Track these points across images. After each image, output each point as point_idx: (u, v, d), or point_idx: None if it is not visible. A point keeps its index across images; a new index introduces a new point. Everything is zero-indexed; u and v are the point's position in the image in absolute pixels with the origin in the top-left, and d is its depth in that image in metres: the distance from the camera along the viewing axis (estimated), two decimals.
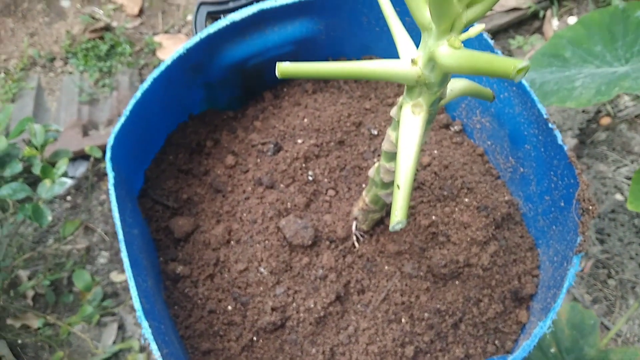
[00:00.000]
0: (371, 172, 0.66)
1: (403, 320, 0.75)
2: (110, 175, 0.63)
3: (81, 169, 1.47)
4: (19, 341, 1.33)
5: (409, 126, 0.45)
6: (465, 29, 0.41)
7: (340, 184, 0.81)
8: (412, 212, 0.77)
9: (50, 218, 0.78)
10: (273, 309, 0.73)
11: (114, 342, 1.32)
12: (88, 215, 1.46)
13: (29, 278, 1.32)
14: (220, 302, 0.75)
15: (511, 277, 0.76)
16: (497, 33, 1.78)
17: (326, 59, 0.93)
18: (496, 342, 0.76)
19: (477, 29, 0.38)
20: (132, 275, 0.58)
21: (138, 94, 0.68)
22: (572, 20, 1.79)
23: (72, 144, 1.45)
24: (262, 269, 0.74)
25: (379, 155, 0.82)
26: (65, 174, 0.90)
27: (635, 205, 1.11)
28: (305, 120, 0.84)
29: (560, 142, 0.67)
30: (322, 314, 0.73)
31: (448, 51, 0.39)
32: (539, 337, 0.56)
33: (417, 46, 0.44)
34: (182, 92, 0.80)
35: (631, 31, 1.15)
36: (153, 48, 1.76)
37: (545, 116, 0.68)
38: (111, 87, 1.66)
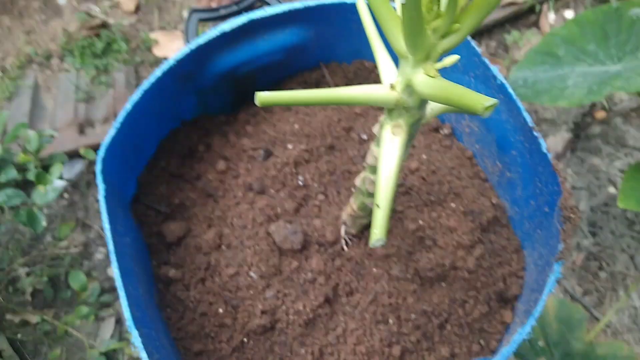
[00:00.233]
0: (358, 182, 0.67)
1: (390, 321, 0.77)
2: (101, 187, 0.64)
3: (77, 166, 1.48)
4: (19, 336, 1.35)
5: (389, 147, 0.46)
6: (445, 55, 0.42)
7: (330, 189, 0.82)
8: (399, 216, 0.78)
9: (44, 224, 0.80)
10: (263, 312, 0.75)
11: (112, 336, 1.35)
12: (85, 213, 1.48)
13: (27, 275, 1.34)
14: (212, 305, 0.77)
15: (496, 279, 0.78)
16: (493, 27, 1.78)
17: (317, 64, 0.94)
18: (481, 341, 0.78)
19: (451, 59, 0.39)
20: (122, 285, 0.60)
21: (128, 106, 0.69)
22: (568, 13, 1.79)
23: (68, 143, 1.46)
24: (252, 273, 0.76)
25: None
26: (60, 177, 0.92)
27: (625, 203, 1.12)
28: (296, 125, 0.85)
29: (544, 150, 0.68)
30: (311, 316, 0.75)
31: (424, 79, 0.40)
32: (518, 343, 0.58)
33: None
34: (173, 100, 0.81)
35: (624, 30, 1.15)
36: (149, 45, 1.76)
37: (530, 124, 0.69)
38: (107, 85, 1.67)
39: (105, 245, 1.45)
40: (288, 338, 0.76)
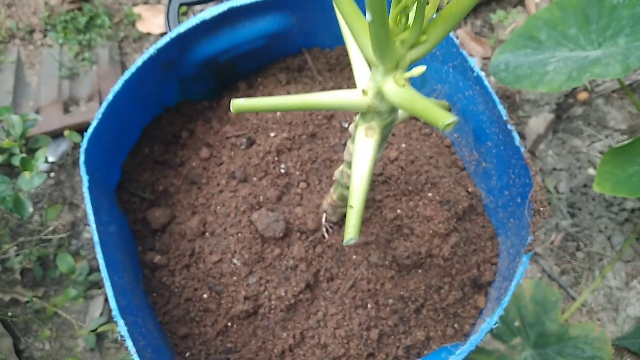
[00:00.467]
0: (336, 174, 0.69)
1: (369, 305, 0.80)
2: (85, 178, 0.65)
3: (63, 145, 1.48)
4: (9, 314, 1.38)
5: (362, 149, 0.48)
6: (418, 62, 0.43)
7: (311, 177, 0.84)
8: (378, 205, 0.80)
9: (31, 209, 0.81)
10: (246, 298, 0.77)
11: (101, 314, 1.38)
12: (72, 192, 1.49)
13: (17, 254, 1.36)
14: (196, 290, 0.79)
15: (470, 266, 0.80)
16: (479, 6, 1.78)
17: (299, 50, 0.94)
18: (455, 325, 0.81)
19: (419, 69, 0.40)
20: (108, 276, 0.62)
21: (110, 96, 0.69)
22: None
23: (53, 122, 1.45)
24: (235, 260, 0.78)
25: None
26: (45, 160, 0.93)
27: (601, 187, 1.15)
28: (278, 113, 0.86)
29: (517, 143, 0.70)
30: (292, 301, 0.78)
31: (393, 88, 0.41)
32: (486, 331, 0.61)
33: None
34: (155, 88, 0.81)
35: (605, 15, 1.16)
36: (132, 20, 1.74)
37: (504, 117, 0.71)
38: (91, 61, 1.65)
39: None
40: (270, 322, 0.78)
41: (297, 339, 0.78)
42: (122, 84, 0.71)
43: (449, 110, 0.60)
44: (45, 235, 1.30)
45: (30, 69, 1.68)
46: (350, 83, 0.94)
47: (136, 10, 1.76)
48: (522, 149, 0.69)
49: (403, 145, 0.85)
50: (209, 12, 0.75)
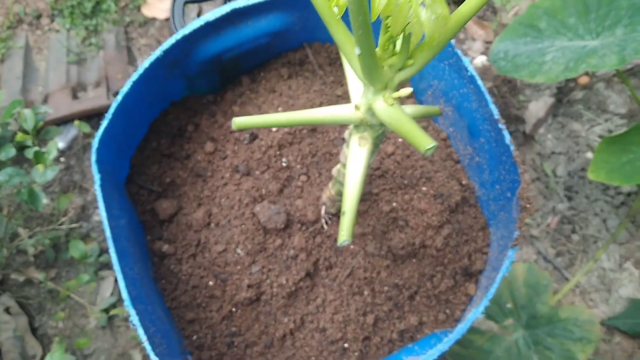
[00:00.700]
0: (334, 172, 0.72)
1: (365, 292, 0.84)
2: (97, 177, 0.69)
3: (73, 131, 1.52)
4: (24, 293, 1.44)
5: (355, 157, 0.52)
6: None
7: (312, 170, 0.88)
8: (375, 198, 0.84)
9: (45, 201, 0.86)
10: (249, 286, 0.82)
11: (112, 294, 1.44)
12: (81, 176, 1.53)
13: (30, 237, 1.41)
14: (202, 278, 0.84)
15: (462, 256, 0.85)
16: None
17: (301, 45, 0.97)
18: (447, 311, 0.86)
19: (406, 91, 0.43)
20: (120, 269, 0.66)
21: (119, 98, 0.73)
22: None
23: (62, 108, 1.49)
24: (239, 250, 0.83)
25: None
26: (57, 151, 0.97)
27: (596, 175, 1.19)
28: (280, 109, 0.89)
29: (508, 142, 0.73)
30: (293, 288, 0.83)
31: (383, 106, 0.45)
32: (472, 321, 0.66)
33: None
34: (162, 85, 0.85)
35: (604, 4, 1.17)
36: (138, 4, 1.76)
37: (496, 117, 0.74)
38: (98, 46, 1.68)
39: None
40: (272, 308, 0.83)
41: (298, 324, 0.83)
42: (130, 85, 0.74)
43: (440, 114, 0.63)
44: (57, 220, 1.35)
45: (38, 54, 1.71)
46: None
47: None
48: (512, 148, 0.72)
49: (399, 139, 0.88)
50: (213, 13, 0.78)
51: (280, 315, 0.84)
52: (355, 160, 0.52)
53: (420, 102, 0.96)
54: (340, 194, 0.77)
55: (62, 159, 1.52)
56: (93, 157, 0.71)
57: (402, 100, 0.85)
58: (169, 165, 0.91)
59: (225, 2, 0.87)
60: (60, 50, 1.66)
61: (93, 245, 1.43)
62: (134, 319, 0.64)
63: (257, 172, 0.86)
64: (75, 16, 1.72)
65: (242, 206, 0.84)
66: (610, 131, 1.62)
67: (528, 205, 0.69)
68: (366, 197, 0.84)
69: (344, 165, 0.65)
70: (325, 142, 0.89)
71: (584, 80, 1.69)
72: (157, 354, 0.65)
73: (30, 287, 1.42)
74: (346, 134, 0.58)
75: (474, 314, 0.66)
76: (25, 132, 0.92)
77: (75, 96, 1.55)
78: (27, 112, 0.92)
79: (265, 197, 0.85)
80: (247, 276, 0.82)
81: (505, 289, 1.18)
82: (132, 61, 1.69)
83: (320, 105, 0.90)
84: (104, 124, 0.72)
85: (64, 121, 1.51)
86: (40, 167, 0.87)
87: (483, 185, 0.85)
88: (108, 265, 1.45)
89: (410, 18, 0.35)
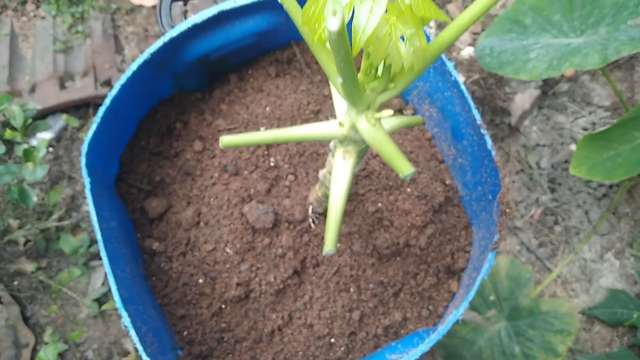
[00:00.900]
0: (321, 175, 0.74)
1: (351, 289, 0.87)
2: (87, 180, 0.70)
3: (61, 121, 1.51)
4: (15, 283, 1.45)
5: (339, 170, 0.53)
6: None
7: (299, 169, 0.89)
8: (361, 199, 0.86)
9: (35, 199, 0.86)
10: (238, 284, 0.84)
11: (103, 284, 1.45)
12: (70, 166, 1.53)
13: (19, 227, 1.42)
14: (192, 276, 0.86)
15: (445, 254, 0.87)
16: None
17: (289, 42, 0.97)
18: (430, 307, 0.88)
19: (387, 112, 0.45)
20: (111, 271, 0.68)
21: (107, 101, 0.74)
22: None
23: (49, 98, 1.48)
24: (228, 249, 0.85)
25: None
26: (46, 147, 0.97)
27: (577, 170, 1.21)
28: (267, 108, 0.91)
29: (489, 147, 0.75)
30: (281, 286, 0.85)
31: (365, 126, 0.46)
32: (452, 322, 0.68)
33: None
34: (150, 85, 0.85)
35: (588, 2, 1.19)
36: None
37: (478, 122, 0.76)
38: (84, 34, 1.66)
39: None
40: (261, 305, 0.86)
41: (286, 320, 0.86)
42: (119, 88, 0.75)
43: (423, 123, 0.64)
44: (47, 212, 1.36)
45: (24, 41, 1.70)
46: None
47: None
48: (493, 153, 0.74)
49: None
50: (200, 15, 0.78)
51: (269, 311, 0.86)
52: (339, 173, 0.54)
53: (406, 102, 0.98)
54: (326, 195, 0.79)
55: (50, 149, 1.52)
56: (83, 161, 0.72)
57: (388, 102, 0.86)
58: (158, 163, 0.92)
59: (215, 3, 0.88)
60: (47, 38, 1.65)
61: (83, 236, 1.44)
62: (126, 320, 0.66)
63: (246, 172, 0.88)
64: (61, 3, 1.70)
65: (231, 206, 0.85)
66: (594, 123, 1.65)
67: (508, 210, 0.71)
68: (352, 198, 0.86)
69: (330, 173, 0.67)
70: (312, 142, 0.91)
71: (569, 72, 1.71)
72: (148, 354, 0.67)
73: (22, 277, 1.43)
74: (331, 144, 0.60)
75: (455, 316, 0.68)
76: (13, 128, 0.92)
77: (62, 86, 1.54)
78: (16, 109, 0.92)
79: (253, 197, 0.86)
80: (236, 274, 0.84)
81: (488, 282, 1.21)
82: (119, 50, 1.68)
83: (308, 104, 0.92)
84: (93, 127, 0.73)
85: (52, 111, 1.50)
86: (30, 165, 0.88)
87: (466, 185, 0.88)
88: (98, 256, 1.46)
89: (391, 50, 0.37)
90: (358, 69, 0.46)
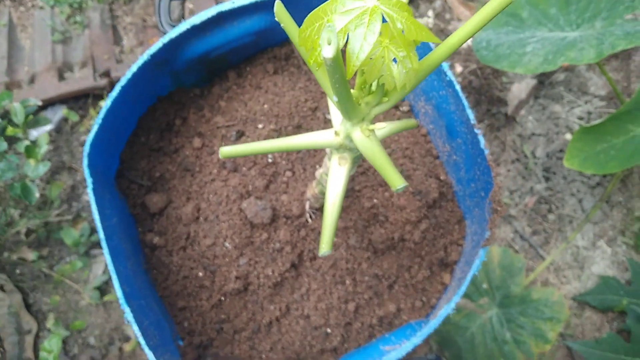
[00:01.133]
0: (317, 174, 0.76)
1: (347, 282, 0.89)
2: (89, 181, 0.72)
3: (60, 112, 1.53)
4: (17, 271, 1.48)
5: (335, 176, 0.55)
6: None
7: (296, 165, 0.91)
8: (357, 194, 0.88)
9: (37, 195, 0.88)
10: (237, 278, 0.86)
11: (103, 272, 1.48)
12: (70, 156, 1.55)
13: (21, 217, 1.44)
14: (192, 269, 0.88)
15: (438, 248, 0.90)
16: None
17: (287, 39, 0.98)
18: (423, 298, 0.91)
19: (381, 125, 0.47)
20: (114, 268, 0.70)
21: (108, 103, 0.75)
22: None
23: (49, 89, 1.49)
24: (227, 244, 0.87)
25: None
26: (47, 143, 0.99)
27: (570, 162, 1.23)
28: (265, 106, 0.92)
29: (482, 146, 0.77)
30: (279, 279, 0.88)
31: (360, 137, 0.48)
32: (443, 317, 0.71)
33: None
34: (150, 83, 0.87)
35: None
36: None
37: (472, 122, 0.78)
38: (83, 25, 1.66)
39: None
40: (259, 297, 0.88)
41: (283, 311, 0.89)
42: (119, 89, 0.76)
43: (417, 126, 0.66)
44: (48, 202, 1.38)
45: (22, 31, 1.70)
46: None
47: None
48: (486, 152, 0.76)
49: None
50: (199, 16, 0.79)
51: (267, 303, 0.89)
52: (335, 178, 0.56)
53: (402, 99, 0.99)
54: (322, 193, 0.81)
55: (50, 139, 1.53)
56: (85, 162, 0.74)
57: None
58: (158, 159, 0.94)
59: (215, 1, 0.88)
60: (45, 28, 1.65)
61: (83, 225, 1.47)
62: (129, 316, 0.69)
63: (244, 169, 0.90)
64: None
65: (230, 202, 0.87)
66: (589, 113, 1.66)
67: (499, 208, 0.73)
68: (349, 194, 0.88)
69: (326, 174, 0.69)
70: None
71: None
72: (150, 347, 0.69)
73: (23, 266, 1.46)
74: (327, 151, 0.62)
75: (446, 310, 0.71)
76: (14, 124, 0.93)
77: (61, 77, 1.55)
78: (17, 106, 0.93)
79: (251, 193, 0.88)
80: (235, 268, 0.87)
81: (481, 271, 1.24)
82: (117, 41, 1.68)
83: (306, 101, 0.93)
84: (94, 128, 0.75)
85: (51, 102, 1.51)
86: (32, 161, 0.89)
87: (460, 181, 0.90)
88: (99, 244, 1.48)
89: (384, 71, 0.38)
90: (353, 84, 0.48)
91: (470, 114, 0.78)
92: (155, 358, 0.67)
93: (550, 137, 1.65)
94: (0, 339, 1.34)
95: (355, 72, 0.40)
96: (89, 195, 0.72)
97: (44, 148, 0.92)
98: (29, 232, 1.49)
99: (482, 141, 0.77)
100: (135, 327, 0.69)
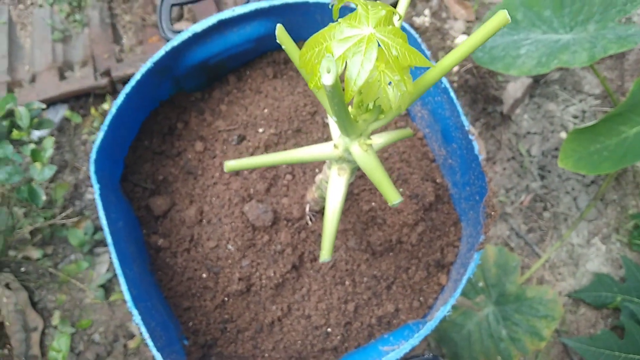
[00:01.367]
0: (317, 180, 0.78)
1: (347, 283, 0.92)
2: (96, 187, 0.75)
3: (62, 111, 1.54)
4: (22, 269, 1.50)
5: (334, 185, 0.58)
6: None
7: (297, 169, 0.93)
8: (356, 198, 0.91)
9: (44, 197, 0.90)
10: (240, 279, 0.89)
11: (107, 270, 1.51)
12: (73, 155, 1.57)
13: (25, 215, 1.46)
14: (196, 271, 0.91)
15: (435, 250, 0.92)
16: None
17: None
18: (420, 299, 0.94)
19: (378, 139, 0.49)
20: (122, 272, 0.73)
21: (113, 110, 0.77)
22: None
23: (49, 89, 1.51)
24: (229, 246, 0.89)
25: None
26: (52, 146, 1.01)
27: (564, 163, 1.26)
28: (266, 110, 0.94)
29: (476, 152, 0.79)
30: (280, 280, 0.90)
31: (358, 151, 0.50)
32: (439, 319, 0.74)
33: None
34: (152, 89, 0.89)
35: None
36: None
37: (467, 128, 0.80)
38: (82, 23, 1.68)
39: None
40: (261, 298, 0.91)
41: (285, 311, 0.91)
42: (123, 97, 0.78)
43: (413, 135, 0.68)
44: (52, 201, 1.40)
45: (22, 30, 1.71)
46: None
47: None
48: (481, 158, 0.78)
49: None
50: (200, 24, 0.81)
51: (269, 304, 0.91)
52: (334, 188, 0.58)
53: None
54: (322, 197, 0.83)
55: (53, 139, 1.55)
56: (92, 168, 0.76)
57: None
58: (161, 162, 0.96)
59: (215, 3, 0.90)
60: (45, 27, 1.66)
61: (87, 224, 1.49)
62: (137, 318, 0.71)
63: (245, 172, 0.92)
64: None
65: (232, 205, 0.89)
66: (584, 111, 1.68)
67: (493, 213, 0.76)
68: (347, 197, 0.90)
69: (326, 180, 0.71)
70: (309, 142, 0.95)
71: None
72: (158, 349, 0.72)
73: (28, 264, 1.48)
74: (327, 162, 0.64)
75: (442, 312, 0.74)
76: (18, 127, 0.95)
77: (62, 76, 1.57)
78: (22, 109, 0.95)
79: (253, 197, 0.91)
80: (238, 269, 0.89)
81: (477, 269, 1.27)
82: (117, 39, 1.69)
83: (305, 106, 0.95)
84: (100, 135, 0.77)
85: (52, 102, 1.53)
86: (38, 165, 0.91)
87: (455, 184, 0.92)
88: (103, 242, 1.51)
89: (380, 94, 0.40)
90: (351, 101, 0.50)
91: (465, 121, 0.80)
92: (163, 359, 0.69)
93: (546, 136, 1.67)
94: (8, 336, 1.36)
95: None
96: (97, 202, 0.75)
97: (49, 152, 0.94)
98: (33, 231, 1.51)
99: (477, 147, 0.79)
100: (144, 329, 0.71)
